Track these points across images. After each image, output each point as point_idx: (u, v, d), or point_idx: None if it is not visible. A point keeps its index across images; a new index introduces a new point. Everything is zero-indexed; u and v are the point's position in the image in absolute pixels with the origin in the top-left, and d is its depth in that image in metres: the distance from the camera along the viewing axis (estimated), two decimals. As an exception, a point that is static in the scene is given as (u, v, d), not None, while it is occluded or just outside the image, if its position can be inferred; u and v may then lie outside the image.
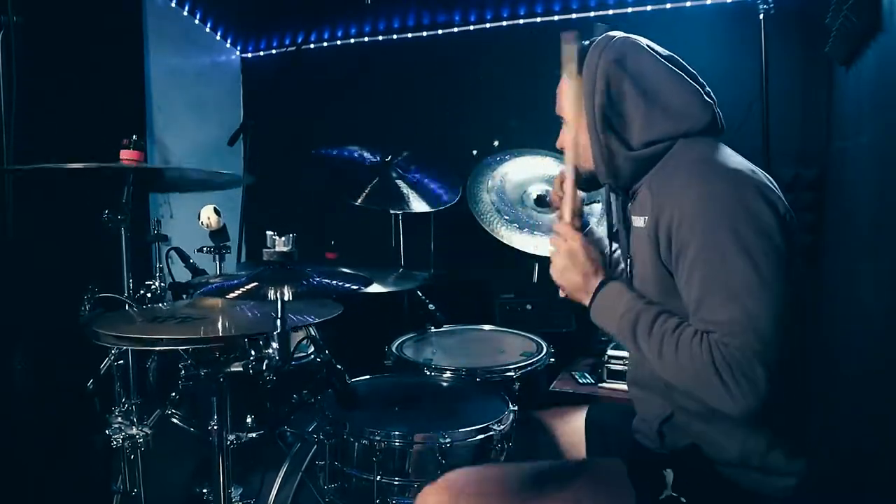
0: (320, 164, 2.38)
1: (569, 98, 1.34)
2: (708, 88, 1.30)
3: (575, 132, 1.35)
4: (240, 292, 1.28)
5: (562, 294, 1.34)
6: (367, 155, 2.42)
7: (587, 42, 1.33)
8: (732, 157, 1.21)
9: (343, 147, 2.44)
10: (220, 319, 1.36)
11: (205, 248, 1.89)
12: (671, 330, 1.13)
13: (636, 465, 1.27)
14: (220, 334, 1.28)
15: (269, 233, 1.34)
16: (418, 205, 2.28)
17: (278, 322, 1.19)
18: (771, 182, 1.19)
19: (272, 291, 1.23)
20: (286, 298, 1.22)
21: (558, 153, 2.49)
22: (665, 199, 1.18)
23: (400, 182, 2.34)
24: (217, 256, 1.88)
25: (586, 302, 1.27)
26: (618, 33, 1.33)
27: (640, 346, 1.17)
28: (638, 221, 1.30)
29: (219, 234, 1.90)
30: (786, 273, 1.07)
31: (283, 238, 1.33)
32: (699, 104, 1.25)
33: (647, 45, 1.31)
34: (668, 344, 1.12)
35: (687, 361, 1.09)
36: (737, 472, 1.20)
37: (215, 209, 1.88)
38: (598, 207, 2.32)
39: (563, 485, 1.25)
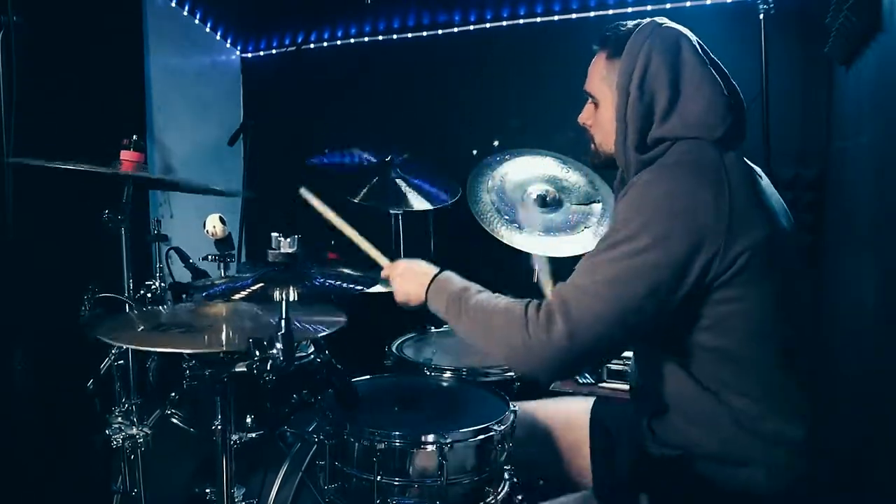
0: (319, 167, 2.38)
1: (602, 76, 1.33)
2: (735, 92, 1.28)
3: (601, 111, 1.35)
4: (245, 293, 1.28)
5: (405, 304, 1.46)
6: (366, 156, 2.41)
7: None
8: (707, 164, 1.17)
9: (342, 151, 2.43)
10: (224, 327, 1.36)
11: (209, 257, 1.90)
12: (497, 296, 1.25)
13: (607, 496, 1.29)
14: (225, 346, 1.28)
15: (273, 234, 1.34)
16: (417, 203, 2.28)
17: (283, 323, 1.19)
18: (735, 197, 1.12)
19: (277, 292, 1.23)
20: (291, 299, 1.22)
21: (558, 153, 2.50)
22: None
23: (399, 182, 2.34)
24: (222, 264, 1.88)
25: (423, 296, 1.38)
26: (664, 20, 1.30)
27: (462, 311, 1.27)
28: None
29: (223, 243, 1.90)
30: (649, 294, 1.09)
31: (287, 239, 1.33)
32: (718, 116, 1.22)
33: (693, 40, 1.29)
34: (489, 304, 1.23)
35: (501, 314, 1.19)
36: (722, 468, 1.19)
37: (221, 218, 1.88)
38: (598, 207, 2.32)
39: None
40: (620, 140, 1.28)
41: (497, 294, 1.28)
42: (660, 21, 1.30)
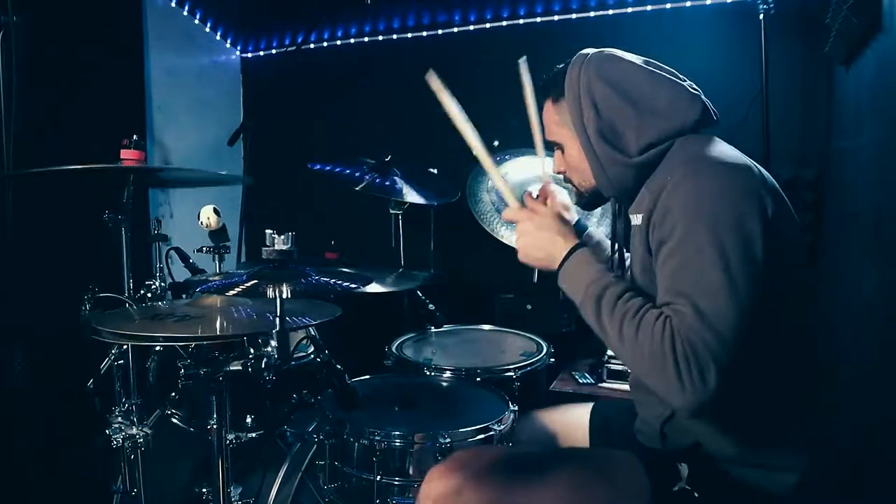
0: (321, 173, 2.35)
1: (557, 121, 1.37)
2: (690, 82, 1.30)
3: (569, 154, 1.38)
4: (239, 290, 1.28)
5: (531, 264, 1.33)
6: (367, 171, 2.38)
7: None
8: (729, 153, 1.20)
9: (340, 163, 2.41)
10: (219, 319, 1.36)
11: (204, 248, 1.89)
12: (635, 309, 1.12)
13: (650, 457, 1.27)
14: (219, 333, 1.28)
15: (268, 231, 1.34)
16: (417, 203, 2.28)
17: (277, 321, 1.19)
18: (766, 180, 1.17)
19: (271, 289, 1.23)
20: (285, 296, 1.22)
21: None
22: (659, 194, 1.18)
23: (399, 181, 2.34)
24: (216, 256, 1.88)
25: (555, 266, 1.27)
26: (590, 50, 1.34)
27: (603, 321, 1.15)
28: (636, 219, 1.30)
29: (218, 234, 1.90)
30: (757, 282, 1.06)
31: (282, 236, 1.33)
32: (686, 98, 1.26)
33: (622, 55, 1.32)
34: (629, 323, 1.11)
35: (646, 344, 1.07)
36: (738, 469, 1.20)
37: (215, 209, 1.88)
38: (597, 209, 2.31)
39: (572, 472, 1.25)
40: (597, 167, 1.30)
41: (629, 299, 1.14)
42: (585, 52, 1.34)
